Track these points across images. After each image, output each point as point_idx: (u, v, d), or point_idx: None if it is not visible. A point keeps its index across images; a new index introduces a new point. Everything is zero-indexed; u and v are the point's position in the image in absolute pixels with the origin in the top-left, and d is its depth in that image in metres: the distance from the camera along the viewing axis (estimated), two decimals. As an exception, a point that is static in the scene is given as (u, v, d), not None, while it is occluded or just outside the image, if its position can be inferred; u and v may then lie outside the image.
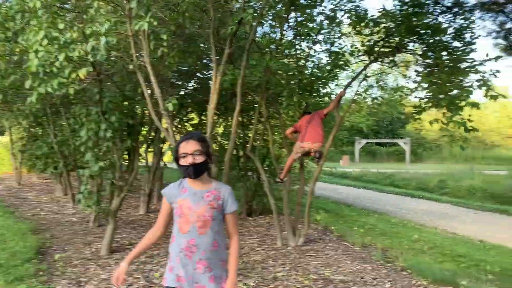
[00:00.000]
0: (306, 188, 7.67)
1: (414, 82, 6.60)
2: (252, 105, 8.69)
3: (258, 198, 9.03)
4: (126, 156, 7.62)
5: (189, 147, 2.34)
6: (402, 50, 6.69)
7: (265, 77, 6.47)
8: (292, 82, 7.08)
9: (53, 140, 9.32)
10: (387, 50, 6.76)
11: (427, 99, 6.49)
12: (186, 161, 2.33)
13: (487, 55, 5.87)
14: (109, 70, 5.94)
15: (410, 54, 6.76)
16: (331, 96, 7.54)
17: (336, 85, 9.75)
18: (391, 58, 6.97)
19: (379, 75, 7.79)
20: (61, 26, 4.47)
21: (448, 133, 6.23)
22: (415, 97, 6.59)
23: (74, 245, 6.25)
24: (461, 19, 6.16)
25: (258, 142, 7.43)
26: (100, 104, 5.70)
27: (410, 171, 20.30)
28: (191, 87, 9.59)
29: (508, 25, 6.80)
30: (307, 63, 7.22)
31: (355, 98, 7.05)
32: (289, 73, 6.91)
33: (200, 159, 2.33)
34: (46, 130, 9.87)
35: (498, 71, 5.61)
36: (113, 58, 5.66)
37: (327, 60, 7.34)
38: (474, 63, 6.00)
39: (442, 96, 6.10)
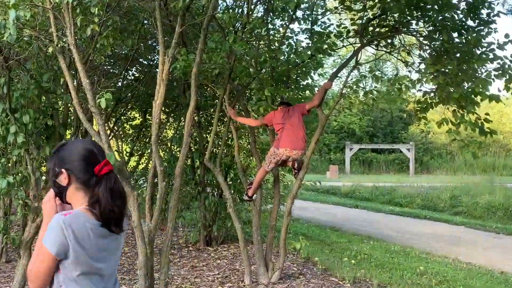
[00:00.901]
0: (282, 208, 7.70)
1: (418, 71, 6.82)
2: (211, 100, 8.76)
3: (220, 221, 9.02)
4: (44, 168, 7.39)
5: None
6: (403, 30, 6.82)
7: (228, 64, 6.50)
8: (263, 71, 7.14)
9: None
10: (383, 30, 6.87)
11: (433, 93, 6.67)
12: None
13: (506, 36, 5.98)
14: (21, 55, 5.87)
15: (412, 35, 6.90)
16: (314, 89, 7.56)
17: (320, 75, 9.64)
18: (388, 41, 7.10)
19: (374, 62, 7.82)
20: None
21: (459, 136, 6.40)
22: (419, 90, 6.81)
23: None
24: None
25: (220, 148, 7.41)
26: (8, 100, 5.59)
27: (415, 185, 20.45)
28: (131, 77, 9.56)
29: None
30: (282, 47, 7.25)
31: (344, 91, 7.07)
32: (259, 60, 6.94)
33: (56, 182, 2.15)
34: None
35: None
36: (26, 39, 5.56)
37: (307, 43, 7.37)
38: (492, 47, 6.09)
39: (452, 89, 6.26)
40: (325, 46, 6.79)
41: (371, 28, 6.90)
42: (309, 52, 6.68)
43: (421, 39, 6.70)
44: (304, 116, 6.59)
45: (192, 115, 5.86)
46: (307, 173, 6.77)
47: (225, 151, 8.59)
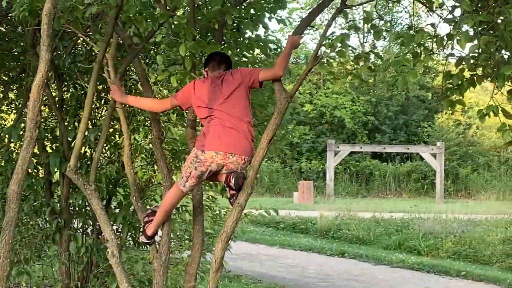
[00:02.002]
0: (209, 257, 7.78)
1: (448, 22, 6.38)
2: (84, 62, 8.35)
3: (96, 280, 8.55)
4: None
5: None
6: None
7: None
8: (179, 12, 6.99)
9: None
10: None
11: (474, 61, 6.46)
12: None
13: None
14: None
15: None
16: (269, 46, 7.50)
17: (280, 21, 8.99)
18: None
19: (375, 3, 7.24)
20: None
21: None
22: (450, 55, 6.53)
23: None
24: None
25: (97, 149, 6.87)
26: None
27: (443, 217, 19.81)
28: None
29: None
30: None
31: (320, 52, 6.37)
32: None
33: None
34: None
35: None
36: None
37: None
38: None
39: (505, 55, 6.13)
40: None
41: None
42: None
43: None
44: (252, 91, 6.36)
45: (42, 88, 5.45)
46: (255, 195, 6.03)
47: (107, 154, 8.48)
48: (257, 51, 7.51)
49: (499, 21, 5.98)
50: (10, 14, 7.83)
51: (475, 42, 6.17)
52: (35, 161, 8.35)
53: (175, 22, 6.78)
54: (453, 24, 6.13)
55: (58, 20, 5.94)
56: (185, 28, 6.54)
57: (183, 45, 6.36)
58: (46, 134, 8.48)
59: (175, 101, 6.24)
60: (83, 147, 7.71)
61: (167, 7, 6.61)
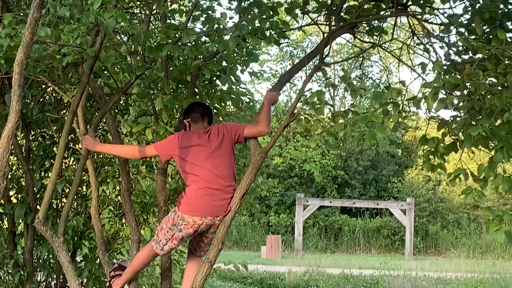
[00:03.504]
0: None
1: (423, 82, 6.34)
2: (55, 111, 8.26)
3: None
4: None
5: None
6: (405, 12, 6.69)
7: (91, 47, 5.97)
8: (152, 63, 6.76)
9: None
10: (369, 6, 6.71)
11: (451, 120, 6.42)
12: None
13: None
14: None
15: (414, 17, 6.69)
16: (241, 98, 7.51)
17: (254, 76, 9.09)
18: (375, 23, 7.02)
19: (350, 60, 7.41)
20: None
21: (483, 201, 6.24)
22: (427, 112, 6.54)
23: None
24: None
25: (68, 200, 6.73)
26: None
27: (413, 275, 19.80)
28: None
29: None
30: (191, 24, 7.22)
31: (296, 108, 6.51)
32: (150, 43, 6.61)
33: None
34: None
35: None
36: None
37: (231, 18, 7.12)
38: None
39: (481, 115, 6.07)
40: (268, 25, 6.54)
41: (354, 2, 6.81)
42: (236, 33, 6.32)
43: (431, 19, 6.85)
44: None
45: (11, 139, 5.24)
46: (225, 249, 6.51)
47: (75, 204, 8.23)
48: (229, 104, 7.58)
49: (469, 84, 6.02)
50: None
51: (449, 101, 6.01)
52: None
53: (155, 74, 6.82)
54: (424, 82, 6.16)
55: (35, 69, 5.96)
56: (163, 80, 6.60)
57: (160, 98, 6.41)
58: (11, 184, 8.36)
59: (154, 150, 6.16)
60: (52, 199, 7.55)
61: (145, 59, 6.57)
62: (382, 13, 6.82)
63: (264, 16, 6.67)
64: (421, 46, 6.97)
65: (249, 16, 6.59)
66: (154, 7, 6.89)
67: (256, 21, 6.54)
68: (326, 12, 6.74)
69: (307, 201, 28.19)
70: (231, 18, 7.02)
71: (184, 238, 6.03)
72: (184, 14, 7.43)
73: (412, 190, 30.39)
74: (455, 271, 21.06)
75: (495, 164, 5.97)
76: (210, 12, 7.13)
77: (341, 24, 6.56)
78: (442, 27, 6.62)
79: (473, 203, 6.20)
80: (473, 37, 6.21)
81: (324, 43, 6.58)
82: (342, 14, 6.66)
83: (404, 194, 29.87)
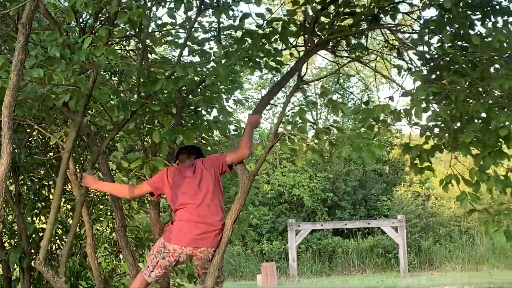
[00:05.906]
0: None
1: (404, 96, 6.48)
2: (43, 154, 8.35)
3: None
4: None
5: None
6: (378, 25, 6.76)
7: (73, 84, 5.95)
8: (148, 98, 6.62)
9: None
10: (347, 23, 6.83)
11: (439, 130, 6.57)
12: None
13: None
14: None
15: (391, 31, 6.83)
16: (230, 128, 7.57)
17: (240, 103, 9.05)
18: (356, 41, 7.03)
19: (331, 78, 7.50)
20: None
21: (479, 205, 6.36)
22: (415, 124, 6.56)
23: None
24: None
25: (67, 242, 6.78)
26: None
27: None
28: None
29: None
30: (173, 54, 7.49)
31: (280, 129, 6.52)
32: (144, 79, 6.46)
33: None
34: None
35: None
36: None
37: (212, 47, 7.29)
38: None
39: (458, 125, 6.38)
40: (248, 49, 6.61)
41: (325, 20, 6.82)
42: (219, 59, 6.46)
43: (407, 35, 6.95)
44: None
45: (4, 182, 5.24)
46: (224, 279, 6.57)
47: (74, 245, 8.17)
48: (215, 132, 7.61)
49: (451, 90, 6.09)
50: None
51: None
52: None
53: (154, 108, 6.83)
54: (409, 97, 6.19)
55: (30, 111, 6.08)
56: (161, 115, 6.75)
57: (157, 132, 6.46)
58: (4, 229, 8.20)
59: (148, 187, 6.26)
60: (51, 241, 7.74)
61: (140, 94, 6.56)
62: (356, 28, 6.91)
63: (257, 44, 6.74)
64: (397, 56, 7.10)
65: (243, 46, 6.71)
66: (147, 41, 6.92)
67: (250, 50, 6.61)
68: (302, 33, 6.82)
69: (299, 226, 27.75)
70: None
71: (168, 268, 6.09)
72: (172, 46, 7.55)
73: (402, 207, 30.07)
74: (452, 284, 21.02)
75: (485, 168, 6.05)
76: (202, 46, 7.23)
77: (315, 41, 6.66)
78: (416, 35, 6.69)
79: (468, 208, 6.32)
80: (449, 44, 6.25)
81: (302, 61, 6.70)
82: (316, 31, 6.74)
83: (394, 212, 29.53)
